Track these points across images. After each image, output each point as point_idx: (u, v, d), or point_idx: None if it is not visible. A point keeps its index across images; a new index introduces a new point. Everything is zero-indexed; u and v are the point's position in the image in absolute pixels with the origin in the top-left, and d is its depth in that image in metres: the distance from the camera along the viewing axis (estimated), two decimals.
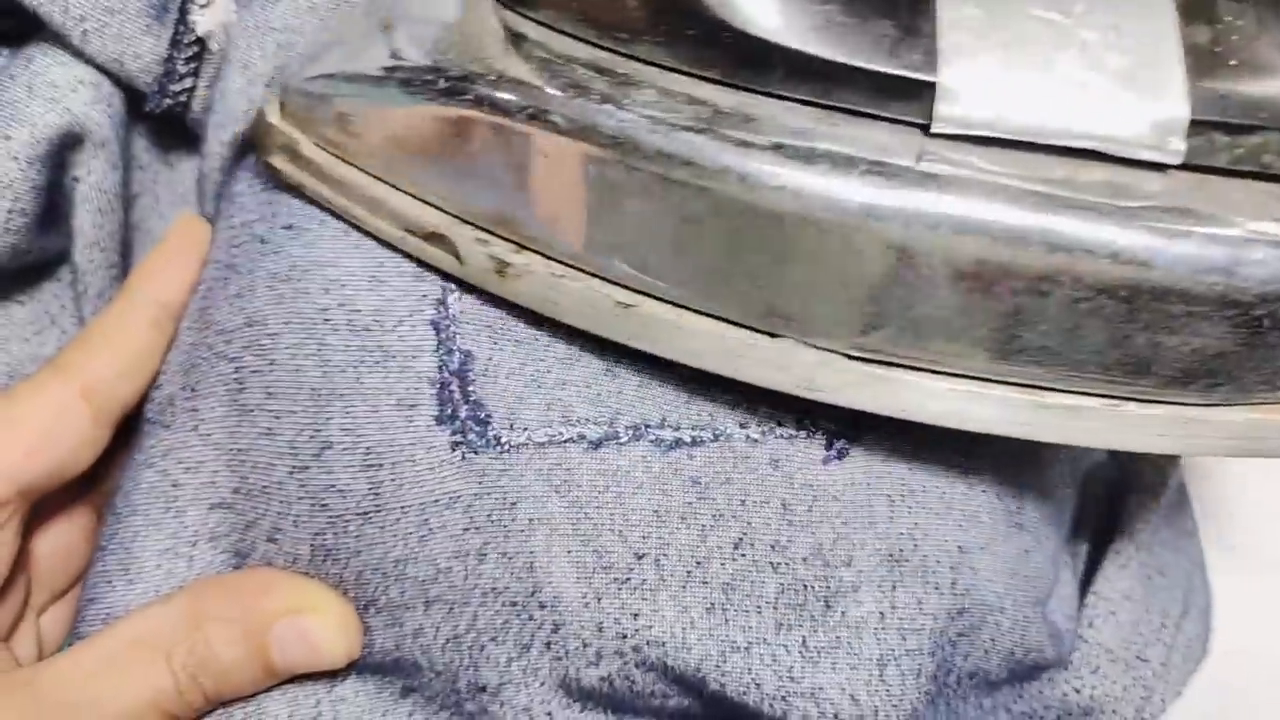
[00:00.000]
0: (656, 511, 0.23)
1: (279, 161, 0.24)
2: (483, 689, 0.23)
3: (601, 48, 0.20)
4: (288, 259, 0.24)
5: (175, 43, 0.26)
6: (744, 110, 0.19)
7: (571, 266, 0.22)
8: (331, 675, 0.24)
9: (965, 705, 0.24)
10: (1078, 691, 0.27)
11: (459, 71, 0.21)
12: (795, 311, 0.20)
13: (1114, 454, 0.29)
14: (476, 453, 0.23)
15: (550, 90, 0.20)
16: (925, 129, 0.19)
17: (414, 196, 0.23)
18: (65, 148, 0.26)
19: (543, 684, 0.23)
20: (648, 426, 0.23)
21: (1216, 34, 0.18)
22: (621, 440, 0.23)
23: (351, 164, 0.23)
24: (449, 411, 0.23)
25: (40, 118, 0.25)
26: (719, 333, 0.21)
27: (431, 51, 0.22)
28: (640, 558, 0.22)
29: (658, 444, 0.23)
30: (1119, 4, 0.19)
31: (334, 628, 0.23)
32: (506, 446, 0.23)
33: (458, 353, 0.23)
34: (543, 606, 0.22)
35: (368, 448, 0.23)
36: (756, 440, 0.23)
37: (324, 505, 0.23)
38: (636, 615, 0.22)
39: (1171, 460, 0.29)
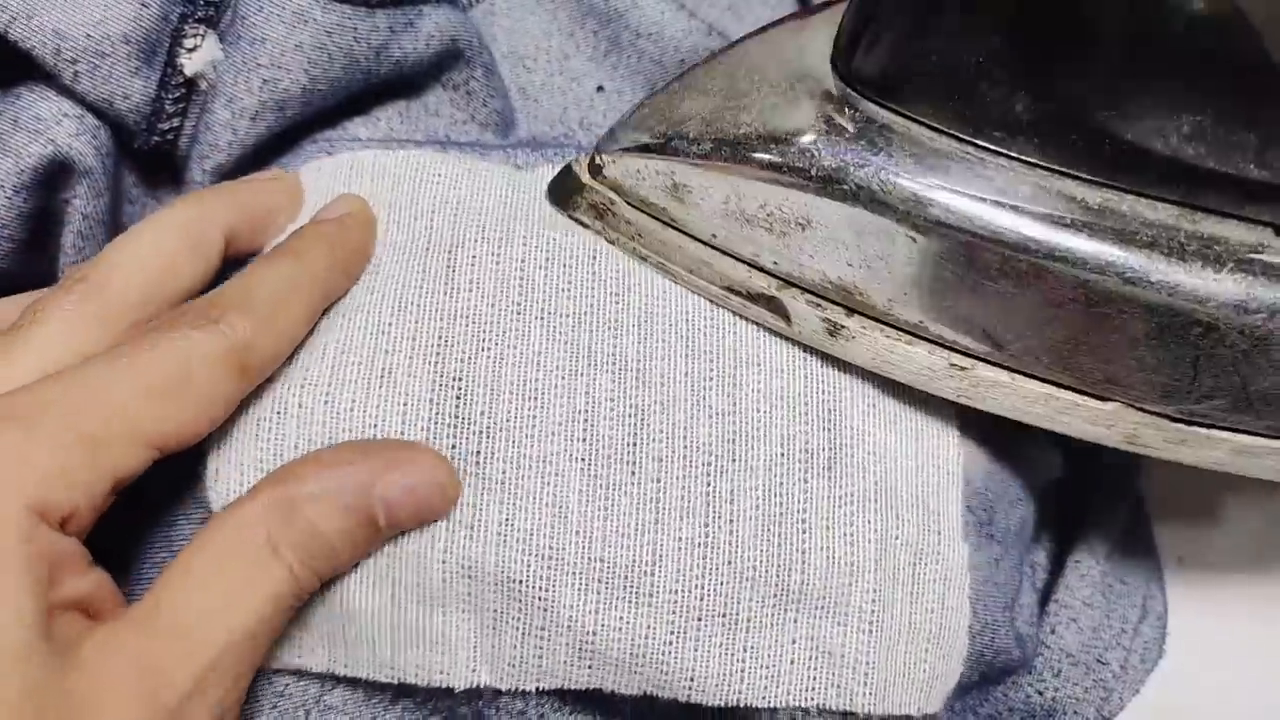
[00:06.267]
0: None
1: (587, 218, 0.26)
2: (479, 695, 0.23)
3: (971, 143, 0.21)
4: None
5: (164, 84, 0.27)
6: (1110, 207, 0.21)
7: (906, 331, 0.23)
8: (320, 683, 0.24)
9: None
10: (1040, 694, 0.28)
11: (830, 162, 0.22)
12: (1135, 383, 0.22)
13: (1073, 471, 0.30)
14: None
15: (923, 185, 0.21)
16: (1277, 229, 0.20)
17: (743, 261, 0.24)
18: (53, 176, 0.26)
19: (537, 689, 0.23)
20: None
21: None
22: None
23: (676, 229, 0.24)
24: None
25: (25, 148, 0.26)
26: (1050, 394, 0.23)
27: (789, 136, 0.22)
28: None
29: None
30: None
31: (432, 473, 0.22)
32: None
33: None
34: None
35: None
36: None
37: None
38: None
39: (1130, 475, 0.31)
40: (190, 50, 0.27)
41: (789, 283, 0.24)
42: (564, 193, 0.26)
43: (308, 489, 0.21)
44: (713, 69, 0.24)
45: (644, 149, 0.24)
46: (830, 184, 0.22)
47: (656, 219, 0.24)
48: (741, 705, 0.23)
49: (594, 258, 0.25)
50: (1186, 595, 0.31)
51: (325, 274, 0.24)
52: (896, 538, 0.23)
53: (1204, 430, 0.22)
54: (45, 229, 0.27)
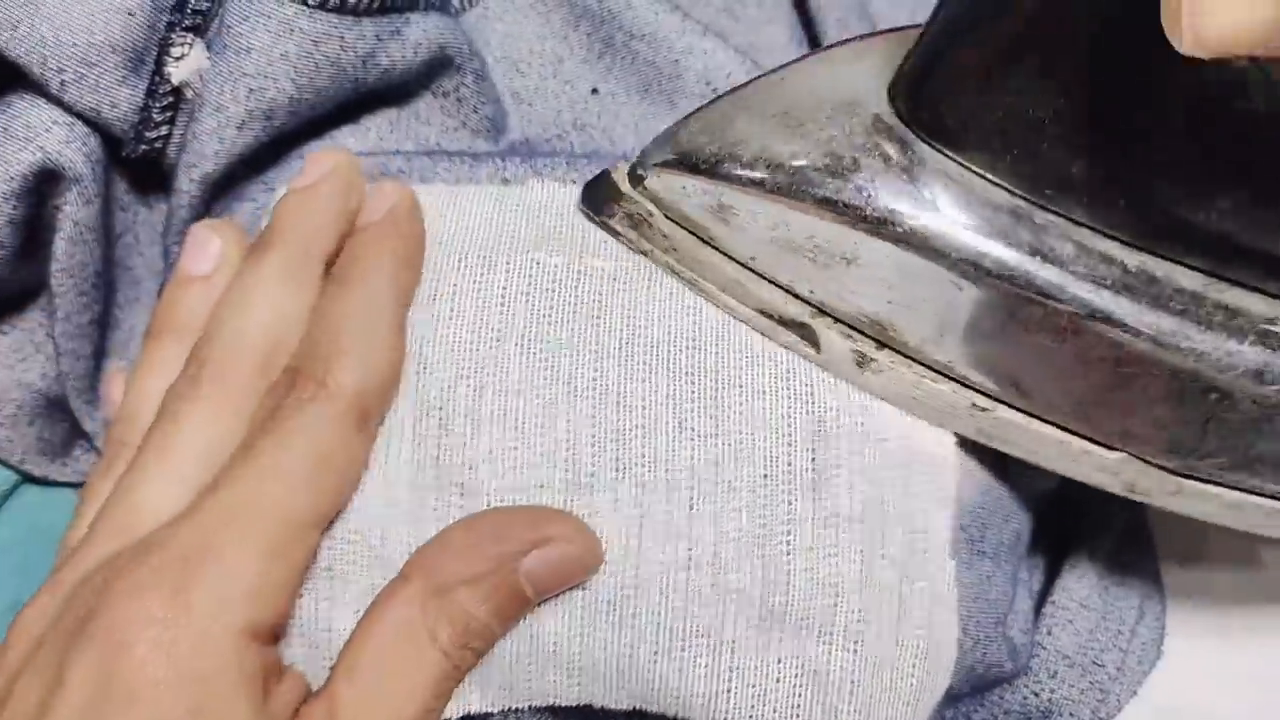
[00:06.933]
0: None
1: (621, 227, 0.25)
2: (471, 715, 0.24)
3: (1023, 198, 0.22)
4: None
5: (151, 93, 0.26)
6: (1147, 270, 0.21)
7: (934, 370, 0.24)
8: None
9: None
10: (1036, 695, 0.28)
11: (885, 203, 0.22)
12: (1145, 437, 0.23)
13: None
14: None
15: (975, 236, 0.21)
16: None
17: (779, 286, 0.24)
18: (43, 183, 0.26)
19: (530, 707, 0.23)
20: None
21: None
22: None
23: (714, 247, 0.24)
24: None
25: (14, 156, 0.25)
26: (1063, 440, 0.24)
27: (845, 171, 0.22)
28: None
29: None
30: None
31: (578, 544, 0.22)
32: None
33: None
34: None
35: None
36: None
37: None
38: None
39: None
40: (177, 59, 0.26)
41: (823, 312, 0.24)
42: (601, 199, 0.25)
43: (458, 574, 0.21)
44: (768, 89, 0.24)
45: (692, 167, 0.23)
46: (882, 224, 0.22)
47: (694, 235, 0.24)
48: None
49: (578, 280, 0.25)
50: (1185, 596, 0.31)
51: (398, 281, 0.24)
52: (882, 556, 0.24)
53: (1200, 484, 0.23)
54: (36, 236, 0.27)
